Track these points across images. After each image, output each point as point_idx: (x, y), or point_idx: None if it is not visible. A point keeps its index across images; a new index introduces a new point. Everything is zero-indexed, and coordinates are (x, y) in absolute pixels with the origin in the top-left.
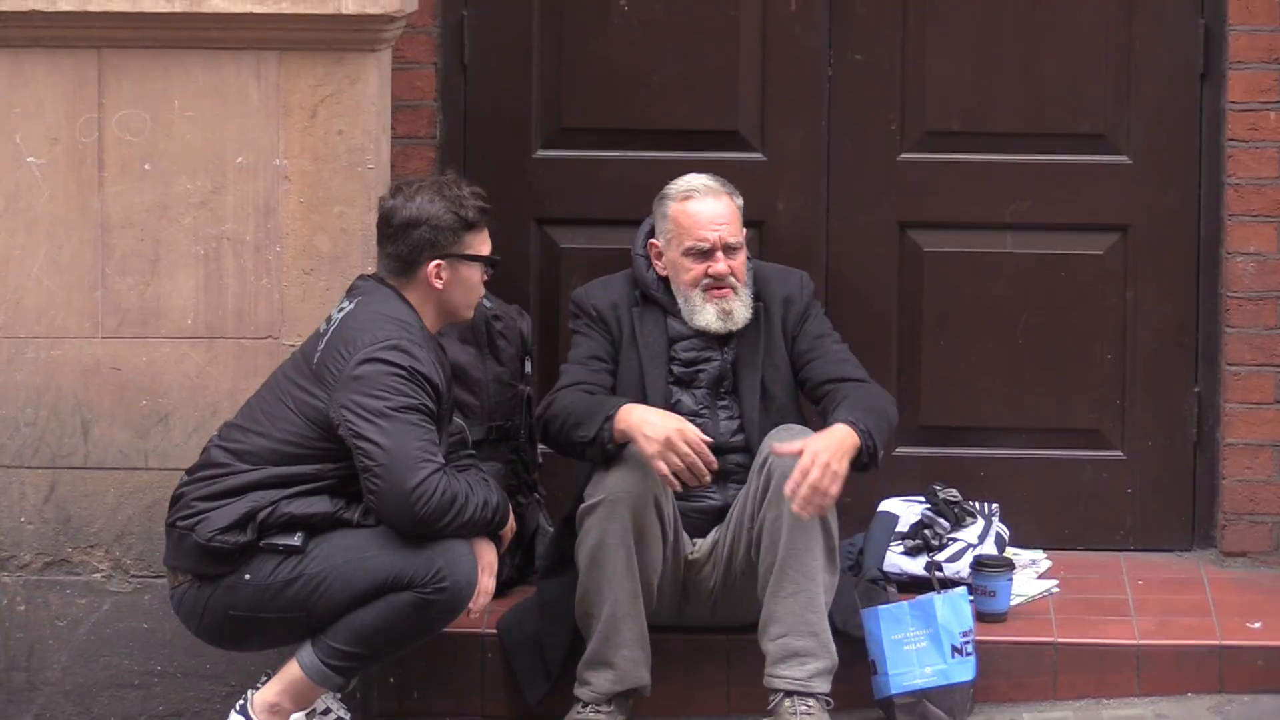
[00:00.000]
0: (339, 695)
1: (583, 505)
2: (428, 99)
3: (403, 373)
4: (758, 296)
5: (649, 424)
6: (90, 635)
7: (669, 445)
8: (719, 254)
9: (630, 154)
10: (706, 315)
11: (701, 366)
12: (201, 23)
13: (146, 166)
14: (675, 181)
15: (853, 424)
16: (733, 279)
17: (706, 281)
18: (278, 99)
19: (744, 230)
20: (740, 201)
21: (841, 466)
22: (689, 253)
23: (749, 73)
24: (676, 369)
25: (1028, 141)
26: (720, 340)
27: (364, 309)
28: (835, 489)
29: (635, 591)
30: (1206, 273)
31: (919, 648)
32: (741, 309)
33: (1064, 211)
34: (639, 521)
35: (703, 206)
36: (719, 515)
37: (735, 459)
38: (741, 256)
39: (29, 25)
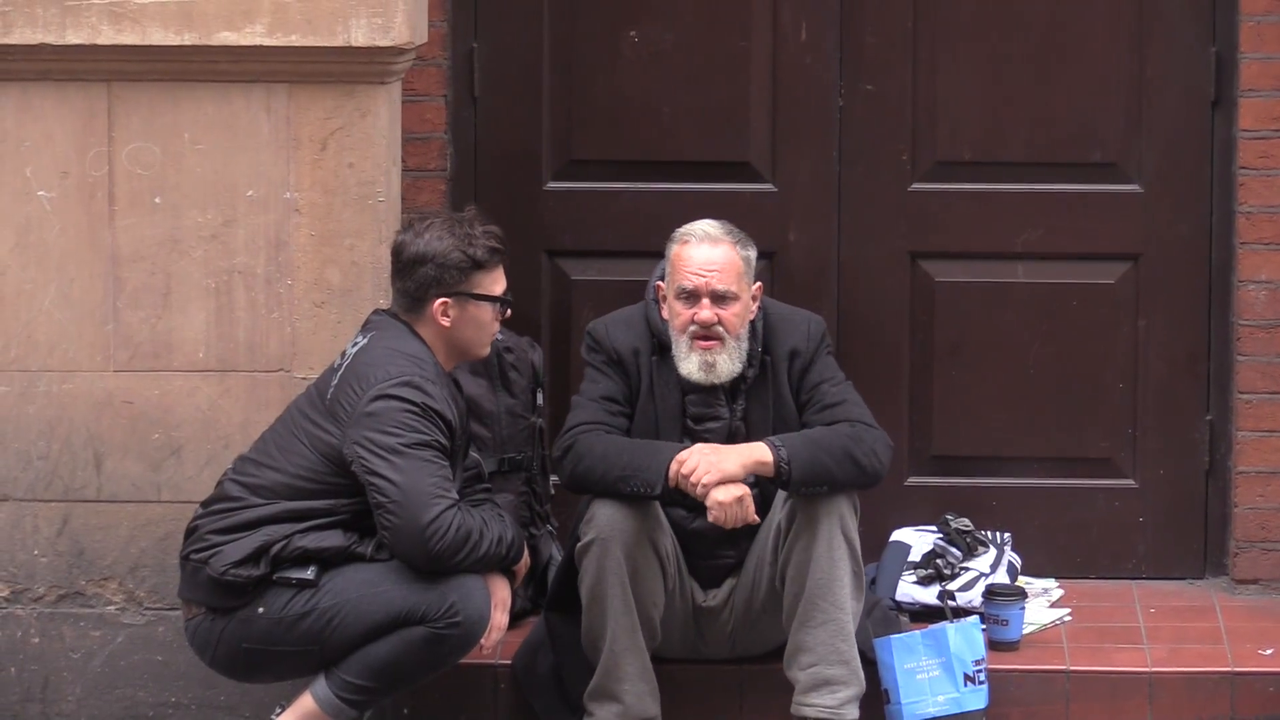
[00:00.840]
0: None
1: (578, 544)
2: (438, 131)
3: (416, 409)
4: (766, 349)
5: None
6: (105, 667)
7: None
8: (704, 300)
9: (641, 185)
10: (690, 364)
11: (709, 425)
12: (211, 55)
13: (157, 200)
14: (686, 225)
15: (771, 444)
16: (721, 329)
17: (693, 329)
18: (288, 131)
19: (749, 282)
20: (747, 253)
21: (724, 464)
22: (678, 295)
23: (759, 104)
24: (687, 423)
25: (1039, 171)
26: (730, 394)
27: (377, 344)
28: (708, 478)
29: (634, 626)
30: (1218, 301)
31: (932, 676)
32: (726, 363)
33: (1075, 241)
34: (633, 558)
35: (696, 251)
36: (734, 570)
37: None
38: (736, 308)
39: (38, 58)
